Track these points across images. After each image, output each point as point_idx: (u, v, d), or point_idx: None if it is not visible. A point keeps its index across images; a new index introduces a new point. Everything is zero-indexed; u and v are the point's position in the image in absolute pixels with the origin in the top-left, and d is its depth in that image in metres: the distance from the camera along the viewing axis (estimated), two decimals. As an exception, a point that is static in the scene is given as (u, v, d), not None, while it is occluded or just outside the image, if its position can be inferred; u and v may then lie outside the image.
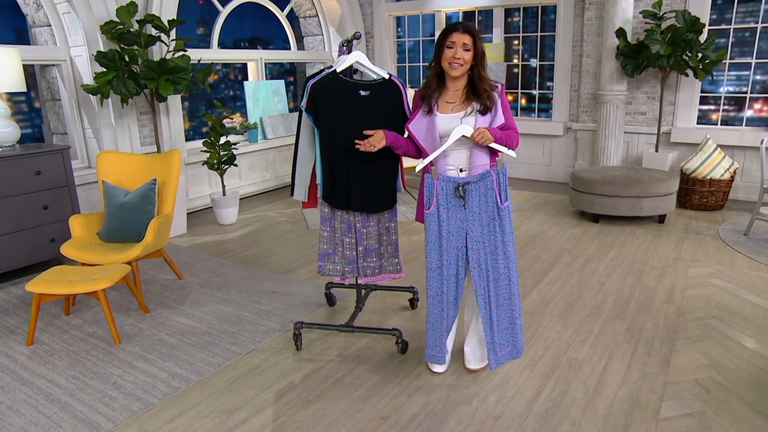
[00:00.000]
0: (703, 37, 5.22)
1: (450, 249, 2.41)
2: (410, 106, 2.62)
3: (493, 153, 2.40)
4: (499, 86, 2.41)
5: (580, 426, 2.24)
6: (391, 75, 2.63)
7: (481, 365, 2.65)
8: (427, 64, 7.32)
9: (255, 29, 7.74)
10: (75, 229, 3.57)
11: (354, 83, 2.58)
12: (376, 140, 2.41)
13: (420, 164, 2.43)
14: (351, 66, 2.65)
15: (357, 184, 2.65)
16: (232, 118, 6.80)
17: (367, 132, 2.43)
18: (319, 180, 2.74)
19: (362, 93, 2.57)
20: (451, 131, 2.34)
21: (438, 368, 2.63)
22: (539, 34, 6.68)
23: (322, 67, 2.75)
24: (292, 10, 7.15)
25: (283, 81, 6.87)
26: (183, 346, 2.97)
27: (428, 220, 2.41)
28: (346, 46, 2.80)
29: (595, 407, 2.36)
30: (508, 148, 2.35)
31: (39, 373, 2.73)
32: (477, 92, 2.37)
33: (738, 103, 5.64)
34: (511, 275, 2.43)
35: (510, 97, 6.85)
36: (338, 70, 2.59)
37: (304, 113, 2.69)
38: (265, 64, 6.73)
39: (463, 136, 2.31)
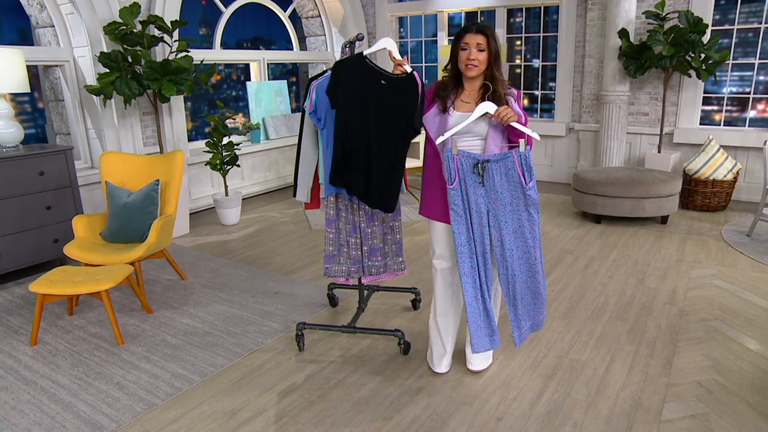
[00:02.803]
0: (706, 38, 5.21)
1: (475, 225, 2.36)
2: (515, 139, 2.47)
3: (509, 145, 2.36)
4: (514, 91, 2.40)
5: (582, 427, 2.24)
6: (413, 70, 2.50)
7: (482, 366, 2.65)
8: (428, 64, 7.37)
9: (257, 30, 7.76)
10: (78, 230, 3.58)
11: (378, 71, 2.50)
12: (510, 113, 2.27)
13: (440, 138, 2.35)
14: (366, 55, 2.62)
15: (374, 172, 2.56)
16: (234, 119, 6.81)
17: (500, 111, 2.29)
18: (321, 180, 2.75)
19: (382, 82, 2.50)
20: (461, 129, 2.34)
21: (440, 368, 2.64)
22: (542, 34, 6.67)
23: (324, 68, 2.72)
24: (294, 10, 7.16)
25: (285, 81, 6.88)
26: (186, 346, 2.97)
27: (452, 196, 2.34)
28: (349, 48, 2.80)
29: (598, 409, 2.36)
30: (534, 133, 2.31)
31: (42, 373, 2.74)
32: (490, 93, 2.35)
33: (741, 103, 5.63)
34: (537, 253, 2.39)
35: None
36: (365, 53, 2.56)
37: (307, 114, 2.69)
38: (268, 64, 6.73)
39: (487, 113, 2.29)
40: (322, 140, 2.66)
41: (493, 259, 2.44)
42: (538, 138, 2.33)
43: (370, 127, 2.52)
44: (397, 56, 2.49)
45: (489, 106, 2.29)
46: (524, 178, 2.31)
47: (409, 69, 2.47)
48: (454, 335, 2.64)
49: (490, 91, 2.35)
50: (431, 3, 7.03)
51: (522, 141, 2.29)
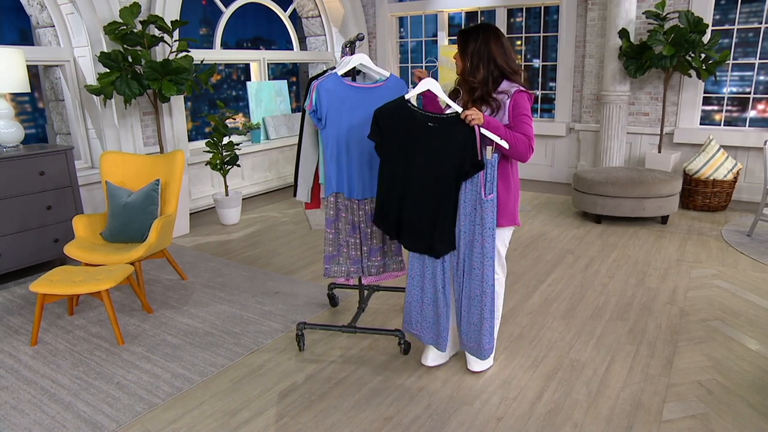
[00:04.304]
0: (706, 38, 5.21)
1: None
2: (482, 145, 2.34)
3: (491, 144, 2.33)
4: (512, 90, 2.34)
5: (582, 427, 2.24)
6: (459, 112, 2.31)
7: (482, 367, 2.65)
8: (428, 64, 7.37)
9: (258, 30, 7.76)
10: (78, 230, 3.58)
11: (423, 113, 2.34)
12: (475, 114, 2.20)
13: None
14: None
15: (408, 223, 2.43)
16: (234, 119, 6.81)
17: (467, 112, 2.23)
18: (322, 179, 2.75)
19: (429, 124, 2.32)
20: None
21: (427, 362, 2.67)
22: (542, 34, 6.67)
23: (324, 68, 2.72)
24: (294, 10, 7.16)
25: (285, 81, 6.88)
26: (186, 346, 2.97)
27: None
28: (349, 48, 2.81)
29: (598, 409, 2.36)
30: (503, 141, 2.26)
31: (43, 373, 2.74)
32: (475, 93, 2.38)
33: (741, 103, 5.63)
34: (486, 273, 2.36)
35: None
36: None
37: (308, 114, 2.69)
38: (268, 64, 6.74)
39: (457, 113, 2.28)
40: (322, 140, 2.66)
41: (451, 273, 2.49)
42: (506, 146, 2.26)
43: (420, 173, 2.37)
44: (445, 98, 2.34)
45: (432, 84, 2.32)
46: (484, 188, 2.30)
47: (459, 109, 2.29)
48: (452, 327, 2.66)
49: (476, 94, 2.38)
50: (431, 3, 7.03)
51: (489, 148, 2.27)
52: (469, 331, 2.50)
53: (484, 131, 2.25)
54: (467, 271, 2.42)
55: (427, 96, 2.53)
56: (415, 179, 2.37)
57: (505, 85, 2.36)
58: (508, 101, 2.33)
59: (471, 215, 2.36)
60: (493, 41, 2.33)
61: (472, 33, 2.35)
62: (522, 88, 2.34)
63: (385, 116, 2.37)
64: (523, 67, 6.76)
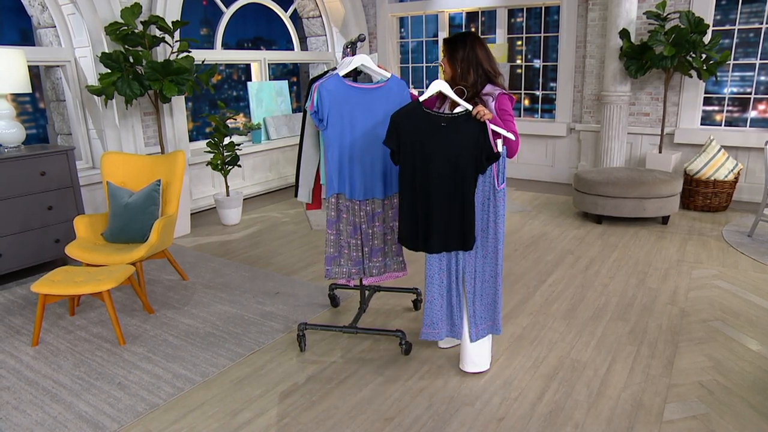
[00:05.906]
0: (707, 38, 5.21)
1: None
2: (493, 140, 2.38)
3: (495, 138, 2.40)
4: (495, 93, 2.48)
5: (583, 428, 2.24)
6: (471, 108, 2.35)
7: (479, 369, 2.65)
8: (429, 64, 7.38)
9: (258, 30, 7.76)
10: (79, 230, 3.58)
11: (435, 114, 2.37)
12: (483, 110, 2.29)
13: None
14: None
15: (436, 223, 2.44)
16: (235, 119, 6.81)
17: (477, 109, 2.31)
18: (323, 180, 2.75)
19: (443, 124, 2.37)
20: None
21: (445, 344, 2.76)
22: (542, 34, 6.67)
23: (325, 68, 2.72)
24: (295, 10, 7.16)
25: (286, 81, 6.88)
26: (187, 346, 2.98)
27: None
28: (350, 48, 2.81)
29: (599, 409, 2.36)
30: (509, 133, 2.39)
31: (44, 373, 2.74)
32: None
33: (742, 103, 5.63)
34: (498, 255, 2.53)
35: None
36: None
37: (309, 114, 2.70)
38: (269, 64, 6.74)
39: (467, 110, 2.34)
40: (323, 141, 2.67)
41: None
42: (513, 138, 2.39)
43: (441, 173, 2.39)
44: (454, 96, 2.38)
45: (442, 85, 2.41)
46: (497, 179, 2.44)
47: (469, 107, 2.34)
48: (465, 314, 2.69)
49: (467, 94, 2.46)
50: (432, 3, 7.03)
51: (499, 141, 2.38)
52: (484, 312, 2.60)
53: (493, 126, 2.34)
54: (481, 256, 2.53)
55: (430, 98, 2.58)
56: (442, 182, 2.40)
57: (488, 88, 2.51)
58: (493, 103, 2.48)
59: (482, 205, 2.47)
60: (478, 48, 2.50)
61: (460, 41, 2.52)
62: (504, 91, 2.51)
63: (403, 119, 2.40)
64: (520, 69, 6.80)
